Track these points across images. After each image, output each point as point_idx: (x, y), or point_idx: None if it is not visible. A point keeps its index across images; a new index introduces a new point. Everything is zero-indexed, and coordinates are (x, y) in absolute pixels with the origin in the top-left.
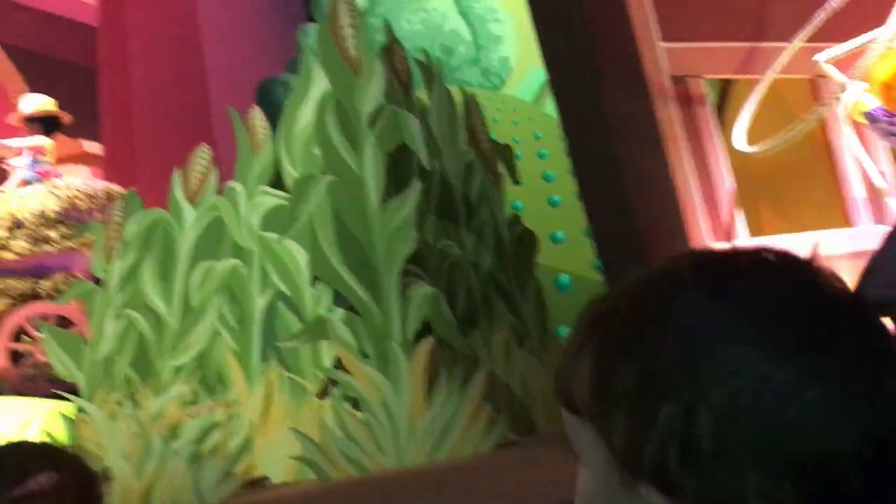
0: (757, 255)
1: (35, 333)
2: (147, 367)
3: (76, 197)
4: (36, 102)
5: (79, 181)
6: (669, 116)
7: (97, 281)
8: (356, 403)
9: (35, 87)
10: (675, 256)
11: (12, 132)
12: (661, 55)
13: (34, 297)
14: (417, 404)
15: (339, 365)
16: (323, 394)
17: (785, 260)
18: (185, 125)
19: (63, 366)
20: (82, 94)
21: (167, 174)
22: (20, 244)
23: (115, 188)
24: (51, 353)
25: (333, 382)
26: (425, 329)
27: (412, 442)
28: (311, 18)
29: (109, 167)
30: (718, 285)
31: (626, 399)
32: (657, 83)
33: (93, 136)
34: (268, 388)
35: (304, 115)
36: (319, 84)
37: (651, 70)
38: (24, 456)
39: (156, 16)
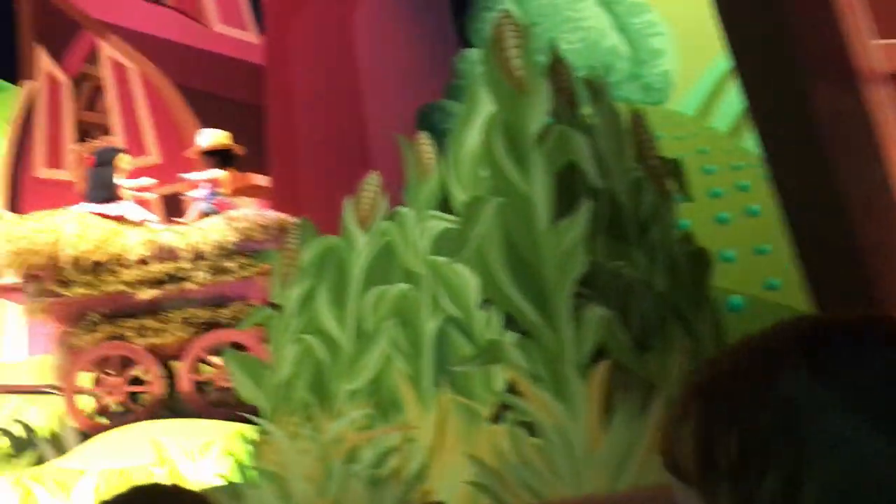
0: (863, 325)
1: (214, 361)
2: (323, 390)
3: (251, 228)
4: (212, 136)
5: (253, 212)
6: (887, 118)
7: (276, 307)
8: (531, 428)
9: (207, 125)
10: (779, 325)
11: (189, 166)
12: (874, 52)
13: (215, 325)
14: (594, 430)
15: (511, 389)
16: (496, 418)
17: (891, 329)
18: (346, 155)
19: (246, 389)
20: (251, 130)
21: (330, 203)
22: (202, 275)
23: (287, 218)
24: (234, 376)
25: (506, 407)
26: (599, 352)
27: (591, 469)
28: (467, 44)
29: (277, 198)
30: (823, 356)
31: (729, 469)
32: (872, 81)
33: (260, 170)
34: (441, 413)
35: (471, 137)
36: (485, 106)
37: (864, 67)
38: (154, 498)
39: (317, 54)
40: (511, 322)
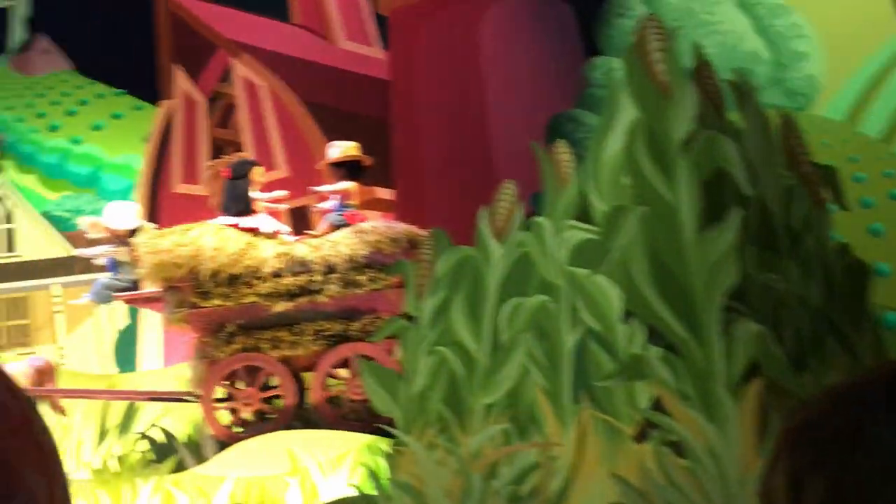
0: None
1: (344, 373)
2: (459, 403)
3: (381, 241)
4: (342, 148)
5: (382, 224)
6: None
7: (410, 318)
8: (678, 449)
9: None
10: (869, 370)
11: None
12: None
13: (345, 338)
14: (748, 452)
15: (656, 407)
16: (640, 437)
17: None
18: (472, 167)
19: (380, 400)
20: (375, 144)
21: (455, 215)
22: (333, 288)
23: (415, 230)
24: (369, 388)
25: (651, 426)
26: (751, 370)
27: (744, 495)
28: (597, 52)
29: (401, 210)
30: None
31: None
32: None
33: (384, 183)
34: (581, 430)
35: (612, 145)
36: (627, 112)
37: None
38: None
39: (442, 67)
40: (656, 336)
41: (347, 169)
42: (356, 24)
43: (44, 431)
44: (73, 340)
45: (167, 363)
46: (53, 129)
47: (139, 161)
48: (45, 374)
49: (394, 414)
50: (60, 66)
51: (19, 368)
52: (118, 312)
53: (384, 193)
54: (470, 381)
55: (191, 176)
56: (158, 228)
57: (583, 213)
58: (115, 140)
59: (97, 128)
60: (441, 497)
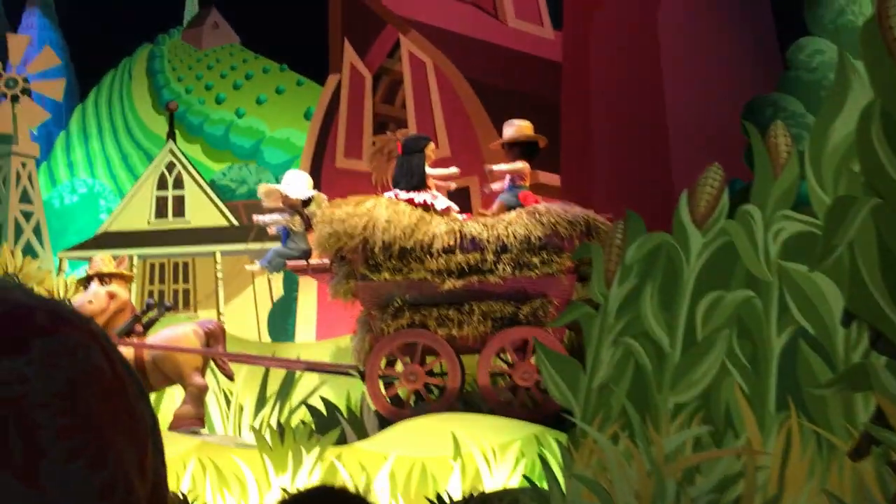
0: None
1: (510, 357)
2: (645, 399)
3: (557, 223)
4: (517, 127)
5: (558, 207)
6: None
7: (594, 305)
8: None
9: (498, 121)
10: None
11: (478, 161)
12: None
13: (514, 321)
14: None
15: (878, 421)
16: (858, 453)
17: None
18: (646, 154)
19: (558, 390)
20: (542, 127)
21: (624, 202)
22: (505, 268)
23: (592, 214)
24: (546, 376)
25: (873, 441)
26: None
27: None
28: (793, 33)
29: (566, 196)
30: None
31: None
32: None
33: (547, 167)
34: (786, 440)
35: (839, 129)
36: (860, 94)
37: None
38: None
39: (619, 50)
40: (882, 343)
41: (522, 149)
42: (527, 3)
43: (139, 398)
44: (231, 308)
45: (319, 336)
46: (220, 100)
47: (298, 136)
48: (214, 336)
49: (571, 405)
50: (229, 40)
51: (190, 330)
52: (275, 283)
53: (546, 178)
54: (659, 378)
55: (354, 151)
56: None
57: (799, 204)
58: (277, 114)
59: (260, 101)
60: (630, 499)
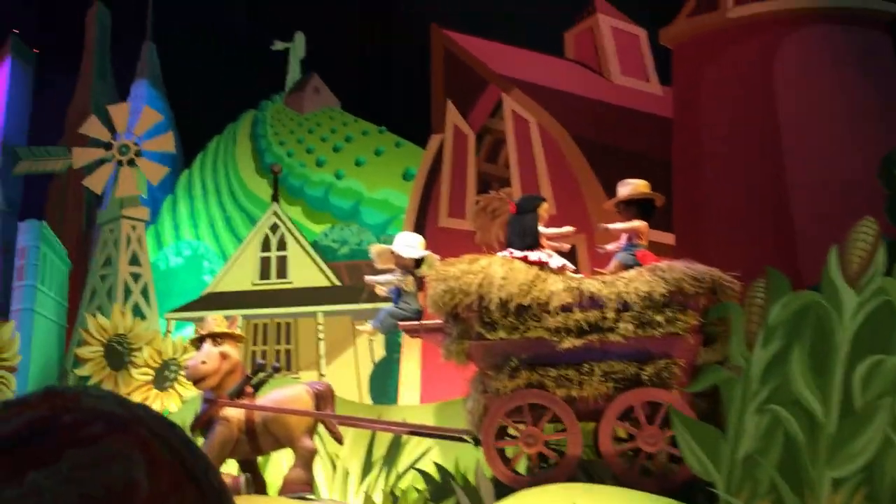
0: None
1: (628, 427)
2: (798, 473)
3: (682, 280)
4: (633, 186)
5: (681, 264)
6: None
7: (734, 369)
8: None
9: (605, 179)
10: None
11: (584, 219)
12: None
13: (637, 382)
14: None
15: None
16: None
17: None
18: (762, 214)
19: (697, 460)
20: (652, 185)
21: (741, 262)
22: (627, 327)
23: (718, 272)
24: (683, 444)
25: None
26: None
27: None
28: None
29: (679, 254)
30: None
31: None
32: None
33: (657, 225)
34: None
35: None
36: None
37: None
38: None
39: (733, 105)
40: None
41: (638, 207)
42: (633, 58)
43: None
44: (331, 369)
45: (423, 399)
46: (320, 163)
47: (397, 196)
48: (324, 398)
49: (713, 477)
50: (329, 103)
51: (302, 391)
52: (377, 344)
53: (658, 236)
54: (813, 449)
55: (457, 210)
56: (442, 259)
57: None
58: (376, 175)
59: (359, 163)
60: None
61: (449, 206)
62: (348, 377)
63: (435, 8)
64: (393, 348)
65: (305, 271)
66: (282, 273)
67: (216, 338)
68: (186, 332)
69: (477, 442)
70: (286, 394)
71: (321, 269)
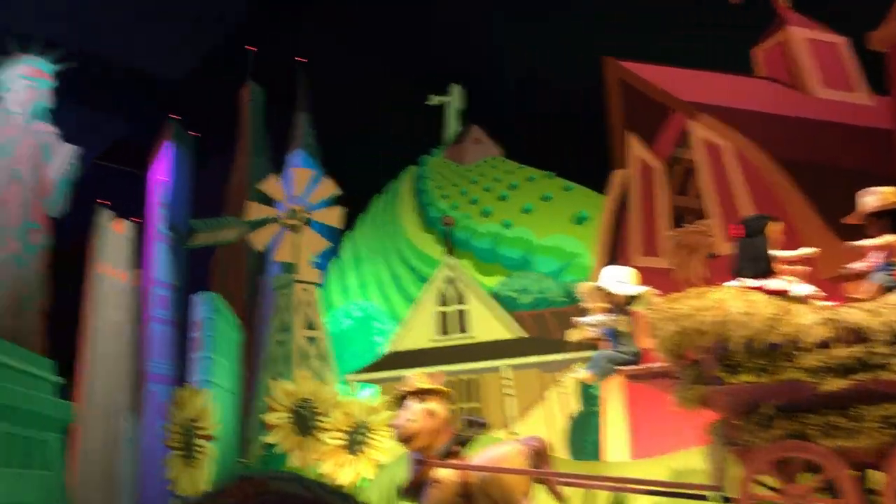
0: None
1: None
2: None
3: None
4: (880, 195)
5: None
6: None
7: None
8: None
9: (814, 199)
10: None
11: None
12: None
13: None
14: None
15: None
16: None
17: None
18: None
19: None
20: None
21: None
22: None
23: None
24: None
25: None
26: None
27: None
28: None
29: None
30: None
31: None
32: None
33: None
34: None
35: None
36: None
37: None
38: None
39: None
40: None
41: (892, 219)
42: (835, 68)
43: None
44: (522, 426)
45: (636, 455)
46: (486, 214)
47: (568, 241)
48: (541, 455)
49: None
50: (491, 153)
51: (516, 449)
52: (570, 396)
53: None
54: None
55: (650, 247)
56: (660, 295)
57: None
58: (544, 222)
59: (527, 210)
60: None
61: (642, 244)
62: (540, 434)
63: (602, 42)
64: (590, 401)
65: (487, 324)
66: (462, 327)
67: (422, 395)
68: (364, 393)
69: (727, 500)
70: (501, 452)
71: (503, 321)
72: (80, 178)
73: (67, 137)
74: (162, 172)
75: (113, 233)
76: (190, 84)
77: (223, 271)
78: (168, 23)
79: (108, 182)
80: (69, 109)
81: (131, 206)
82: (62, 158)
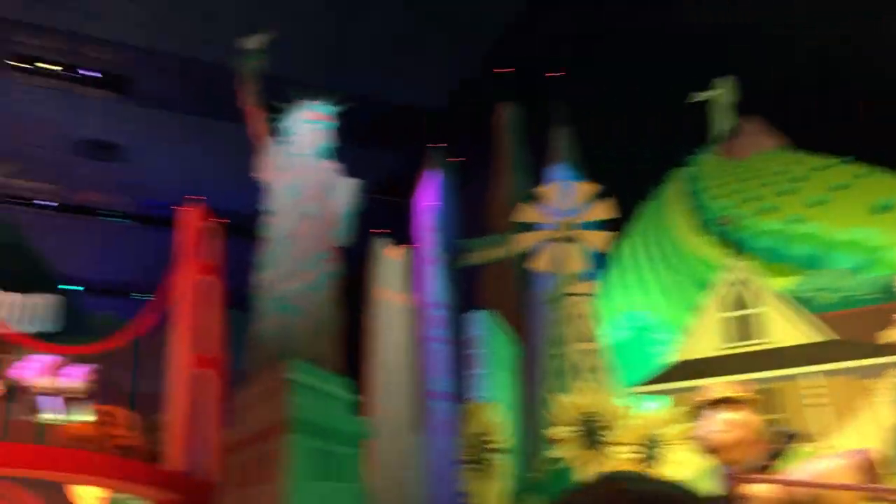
0: None
1: None
2: None
3: None
4: None
5: None
6: None
7: None
8: None
9: None
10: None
11: None
12: None
13: None
14: None
15: None
16: None
17: None
18: None
19: None
20: None
21: None
22: None
23: None
24: None
25: None
26: None
27: None
28: None
29: None
30: None
31: None
32: None
33: None
34: None
35: None
36: None
37: None
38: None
39: None
40: None
41: None
42: None
43: None
44: (838, 438)
45: None
46: (767, 210)
47: (867, 233)
48: (871, 472)
49: None
50: (767, 145)
51: (845, 464)
52: (886, 405)
53: None
54: None
55: None
56: None
57: None
58: (838, 214)
59: (816, 203)
60: None
61: None
62: (860, 446)
63: None
64: None
65: (786, 327)
66: (756, 332)
67: (726, 404)
68: (649, 405)
69: None
70: (827, 466)
71: (809, 324)
72: (359, 210)
73: (347, 172)
74: (429, 199)
75: (390, 259)
76: (449, 111)
77: (492, 288)
78: (423, 54)
79: (380, 212)
80: (346, 147)
81: (403, 232)
82: (346, 192)
